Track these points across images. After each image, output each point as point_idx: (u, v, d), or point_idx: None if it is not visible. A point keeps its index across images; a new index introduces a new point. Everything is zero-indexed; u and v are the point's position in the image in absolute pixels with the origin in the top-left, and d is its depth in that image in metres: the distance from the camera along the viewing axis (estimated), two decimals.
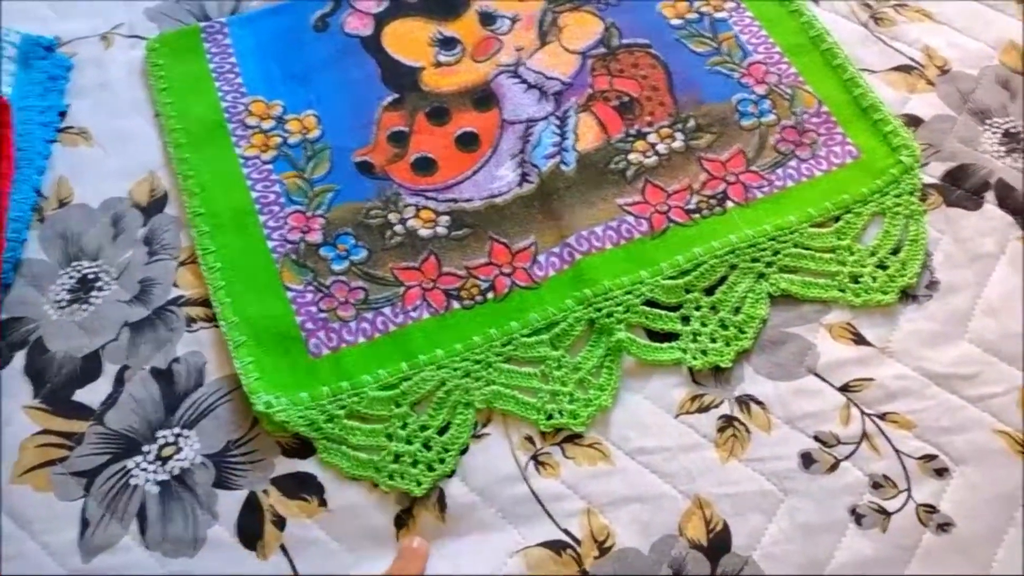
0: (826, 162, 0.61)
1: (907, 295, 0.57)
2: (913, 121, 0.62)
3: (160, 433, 0.54)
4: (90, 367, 0.56)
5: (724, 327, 0.56)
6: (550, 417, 0.54)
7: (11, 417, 0.54)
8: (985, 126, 0.62)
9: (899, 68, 0.65)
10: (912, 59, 0.65)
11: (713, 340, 0.56)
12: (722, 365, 0.55)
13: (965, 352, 0.55)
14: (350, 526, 0.52)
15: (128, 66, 0.67)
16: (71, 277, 0.59)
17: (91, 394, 0.55)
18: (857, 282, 0.57)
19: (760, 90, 0.64)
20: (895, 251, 0.58)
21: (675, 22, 0.68)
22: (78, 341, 0.57)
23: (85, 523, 0.51)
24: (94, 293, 0.58)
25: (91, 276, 0.59)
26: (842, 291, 0.57)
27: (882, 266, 0.57)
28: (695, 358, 0.55)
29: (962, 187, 0.60)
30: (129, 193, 0.62)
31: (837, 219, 0.59)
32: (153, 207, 0.61)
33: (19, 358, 0.56)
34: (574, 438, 0.54)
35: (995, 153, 0.61)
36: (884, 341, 0.55)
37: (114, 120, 0.65)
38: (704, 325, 0.56)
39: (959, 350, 0.55)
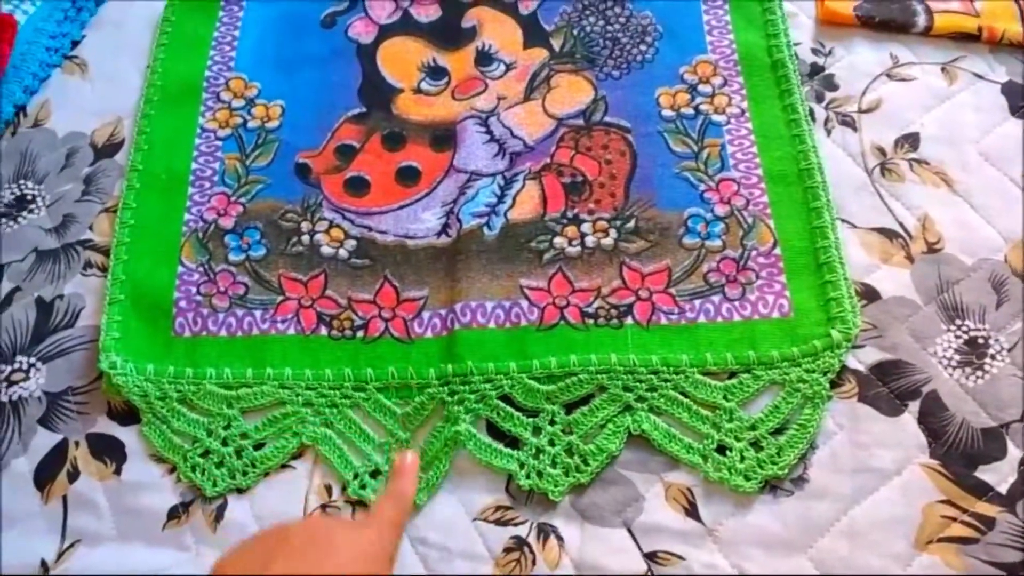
0: (751, 308, 0.55)
1: (766, 482, 0.50)
2: (869, 294, 0.55)
3: (19, 358, 0.57)
4: None
5: (570, 453, 0.52)
6: (363, 487, 0.53)
7: None
8: (951, 327, 0.53)
9: (883, 231, 0.57)
10: (902, 224, 0.57)
11: (553, 464, 0.52)
12: (551, 497, 0.51)
13: (798, 569, 0.47)
14: (129, 501, 0.53)
15: (150, 14, 0.71)
16: (13, 193, 0.64)
17: None
18: (724, 453, 0.51)
19: (720, 210, 0.58)
20: (778, 431, 0.51)
21: (667, 113, 0.63)
22: None
23: None
24: (24, 213, 0.63)
25: (29, 197, 0.63)
26: (703, 458, 0.51)
27: (756, 444, 0.51)
28: (528, 477, 0.51)
29: (887, 386, 0.52)
30: (92, 132, 0.66)
31: (733, 374, 0.53)
32: (105, 151, 0.65)
33: None
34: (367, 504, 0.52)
35: (945, 361, 0.52)
36: (716, 523, 0.49)
37: (112, 60, 0.69)
38: (552, 444, 0.52)
39: (792, 564, 0.48)
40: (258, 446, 0.54)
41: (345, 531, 0.45)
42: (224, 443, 0.54)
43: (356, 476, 0.53)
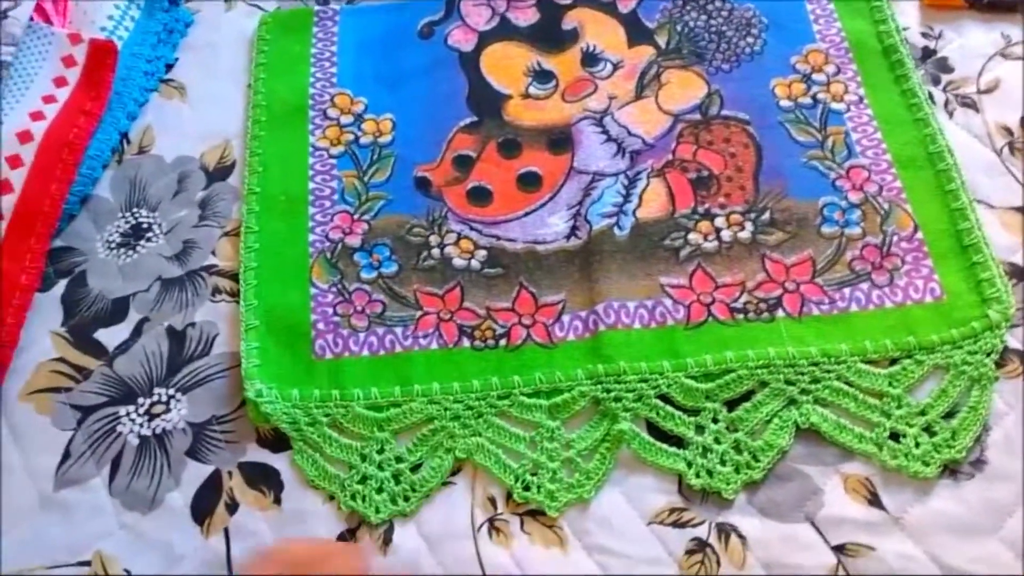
0: (902, 294, 0.55)
1: (945, 467, 0.50)
2: (1018, 273, 0.55)
3: (157, 390, 0.56)
4: (117, 311, 0.59)
5: (738, 450, 0.51)
6: (527, 488, 0.52)
7: (37, 338, 0.58)
8: None
9: (1021, 209, 0.57)
10: None
11: (723, 462, 0.51)
12: (724, 496, 0.50)
13: (991, 552, 0.47)
14: (293, 530, 0.52)
15: (240, 33, 0.70)
16: (127, 222, 0.62)
17: (110, 336, 0.58)
18: (897, 440, 0.51)
19: (854, 197, 0.58)
20: (948, 415, 0.51)
21: (784, 103, 0.63)
22: (114, 283, 0.60)
23: (67, 455, 0.54)
24: (142, 242, 0.61)
25: (145, 225, 0.62)
26: (878, 447, 0.51)
27: (929, 430, 0.51)
28: (698, 475, 0.51)
29: None
30: (201, 155, 0.65)
31: (894, 361, 0.53)
32: (218, 174, 0.64)
33: (60, 286, 0.60)
34: (537, 513, 0.51)
35: None
36: (901, 511, 0.49)
37: (211, 82, 0.68)
38: (718, 442, 0.52)
39: (985, 548, 0.47)
40: (414, 467, 0.53)
41: None
42: (380, 467, 0.53)
43: (517, 479, 0.52)
